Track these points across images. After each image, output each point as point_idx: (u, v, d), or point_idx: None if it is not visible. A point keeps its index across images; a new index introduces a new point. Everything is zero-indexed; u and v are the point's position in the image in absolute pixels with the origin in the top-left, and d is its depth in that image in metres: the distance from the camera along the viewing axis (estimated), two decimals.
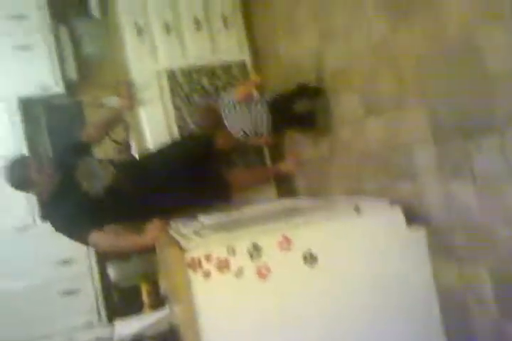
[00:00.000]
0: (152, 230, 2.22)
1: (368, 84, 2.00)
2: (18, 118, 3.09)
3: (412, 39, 1.67)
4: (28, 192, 2.62)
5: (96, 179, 2.48)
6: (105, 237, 2.38)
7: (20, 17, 3.10)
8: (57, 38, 3.23)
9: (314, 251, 1.71)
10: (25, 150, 3.09)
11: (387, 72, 1.85)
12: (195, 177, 2.62)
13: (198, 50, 3.04)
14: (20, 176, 2.35)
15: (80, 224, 2.35)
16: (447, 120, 1.58)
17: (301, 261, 1.70)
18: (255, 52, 3.21)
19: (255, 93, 2.66)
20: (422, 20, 1.60)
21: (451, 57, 1.50)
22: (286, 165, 2.91)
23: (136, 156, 2.99)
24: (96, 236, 2.34)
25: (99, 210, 2.41)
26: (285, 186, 3.07)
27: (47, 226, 2.70)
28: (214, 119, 2.57)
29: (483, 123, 1.43)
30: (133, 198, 2.50)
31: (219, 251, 1.62)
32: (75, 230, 2.38)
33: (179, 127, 2.97)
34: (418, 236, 1.80)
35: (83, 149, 2.69)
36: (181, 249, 1.62)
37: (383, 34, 1.83)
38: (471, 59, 1.42)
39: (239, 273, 1.63)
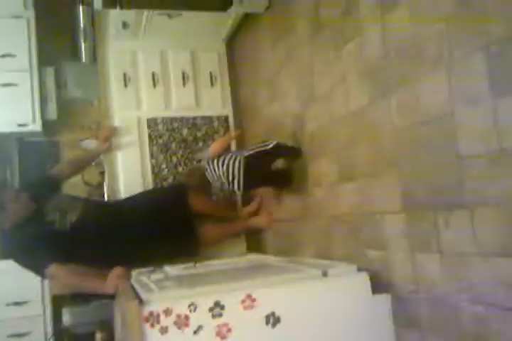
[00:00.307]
0: (112, 278, 2.16)
1: (345, 150, 2.05)
2: None
3: (390, 112, 1.74)
4: None
5: (64, 214, 2.44)
6: (65, 272, 2.33)
7: (8, 55, 3.14)
8: (43, 79, 3.26)
9: (278, 311, 1.68)
10: None
11: (364, 140, 1.91)
12: (164, 229, 2.59)
13: (182, 103, 3.12)
14: None
15: (42, 254, 2.31)
16: (419, 192, 1.62)
17: (264, 321, 1.66)
18: (238, 108, 3.29)
19: (231, 148, 2.72)
20: (400, 96, 1.68)
21: (426, 133, 1.56)
22: (260, 221, 2.90)
23: (106, 200, 2.96)
24: (56, 269, 2.31)
25: (63, 247, 2.36)
26: (255, 241, 3.05)
27: (2, 266, 2.62)
28: (198, 177, 2.60)
29: (453, 200, 1.47)
30: (97, 241, 2.46)
31: (179, 307, 1.57)
32: (35, 258, 2.33)
33: (154, 174, 2.98)
34: (383, 304, 1.79)
35: (53, 184, 2.65)
36: (140, 301, 1.57)
37: (362, 104, 1.90)
38: (445, 137, 1.48)
39: (198, 331, 1.58)
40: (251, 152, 2.43)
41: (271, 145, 2.41)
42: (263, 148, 2.42)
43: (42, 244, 2.32)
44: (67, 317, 2.87)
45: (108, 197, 2.98)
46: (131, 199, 2.78)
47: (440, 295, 1.54)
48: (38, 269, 2.37)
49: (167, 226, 2.60)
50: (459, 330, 1.47)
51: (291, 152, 2.47)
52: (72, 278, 2.35)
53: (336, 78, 2.08)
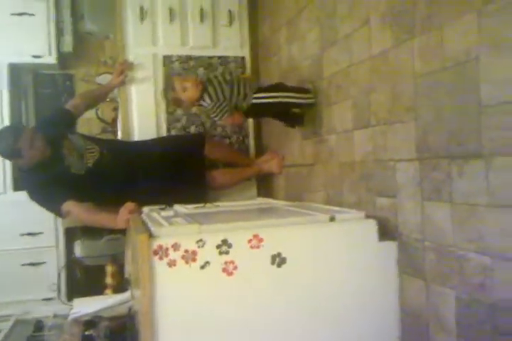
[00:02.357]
0: (124, 212, 2.21)
1: (362, 96, 2.00)
2: (5, 83, 3.03)
3: (412, 57, 1.67)
4: (12, 161, 2.60)
5: (79, 159, 2.47)
6: (79, 208, 2.39)
7: None
8: (59, 10, 3.18)
9: (284, 252, 1.70)
10: (7, 116, 3.04)
11: (383, 85, 1.86)
12: (177, 174, 2.64)
13: (198, 41, 3.03)
14: (9, 146, 2.31)
15: (57, 193, 2.37)
16: (435, 140, 1.58)
17: (269, 261, 1.69)
18: (255, 49, 3.20)
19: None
20: (424, 40, 1.61)
21: (448, 80, 1.51)
22: (270, 167, 2.91)
23: (121, 139, 2.97)
24: (70, 205, 2.37)
25: (78, 187, 2.43)
26: (266, 186, 3.07)
27: (18, 196, 2.68)
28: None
29: (469, 150, 1.44)
30: (112, 182, 2.51)
31: (188, 242, 1.60)
32: (50, 196, 2.39)
33: (167, 113, 2.96)
34: (389, 251, 1.81)
35: (68, 120, 2.66)
36: (150, 235, 1.60)
37: (384, 48, 1.83)
38: (467, 85, 1.43)
39: (205, 266, 1.61)
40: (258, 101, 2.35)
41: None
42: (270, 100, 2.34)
43: (57, 183, 2.37)
44: (78, 250, 2.97)
45: (122, 134, 2.98)
46: (149, 143, 2.81)
47: (447, 244, 1.54)
48: (54, 206, 2.43)
49: (180, 173, 2.65)
50: (464, 280, 1.48)
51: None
52: (86, 214, 2.40)
53: (359, 21, 1.99)
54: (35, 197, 2.43)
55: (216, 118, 2.35)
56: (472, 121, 1.42)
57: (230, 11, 3.09)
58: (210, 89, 2.27)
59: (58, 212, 2.44)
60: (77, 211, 2.38)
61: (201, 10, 3.03)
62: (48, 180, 2.37)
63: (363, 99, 2.00)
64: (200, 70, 3.02)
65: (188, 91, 2.27)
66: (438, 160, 1.57)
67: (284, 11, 2.79)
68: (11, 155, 2.41)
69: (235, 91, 2.29)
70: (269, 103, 2.32)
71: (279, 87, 2.38)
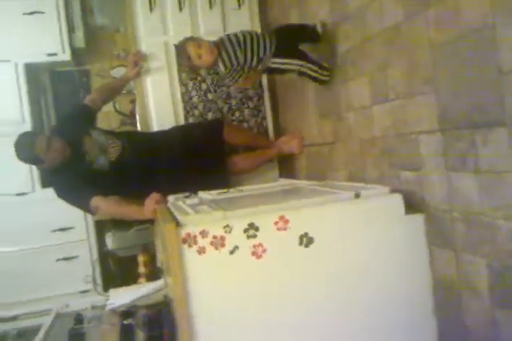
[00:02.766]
0: (150, 202, 2.23)
1: (378, 70, 1.97)
2: (23, 83, 3.07)
3: (427, 27, 1.64)
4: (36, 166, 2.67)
5: (102, 154, 2.50)
6: (106, 202, 2.43)
7: None
8: (69, 6, 3.20)
9: (311, 232, 1.70)
10: (28, 116, 3.08)
11: (399, 58, 1.83)
12: (198, 162, 2.66)
13: (209, 27, 3.02)
14: (28, 154, 2.37)
15: (84, 189, 2.42)
16: (456, 111, 1.56)
17: (297, 242, 1.69)
18: (266, 31, 3.16)
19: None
20: (439, 8, 1.57)
21: (465, 48, 1.48)
22: (290, 147, 2.90)
23: (142, 131, 2.99)
24: (98, 200, 2.42)
25: (102, 181, 2.47)
26: (287, 166, 3.07)
27: (46, 193, 2.74)
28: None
29: (492, 117, 1.41)
30: (136, 174, 2.55)
31: (215, 228, 1.62)
32: (78, 193, 2.45)
33: (184, 102, 2.96)
34: (416, 224, 1.80)
35: (88, 116, 2.69)
36: (177, 224, 1.62)
37: (398, 19, 1.80)
38: (486, 52, 1.39)
39: (234, 251, 1.63)
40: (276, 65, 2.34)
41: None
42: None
43: (82, 181, 2.42)
44: (110, 242, 3.02)
45: (141, 125, 3.00)
46: (169, 132, 2.83)
47: (475, 213, 1.52)
48: (82, 203, 2.48)
49: (201, 160, 2.67)
50: (495, 248, 1.47)
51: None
52: (114, 208, 2.44)
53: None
54: (62, 196, 2.49)
55: (231, 83, 2.40)
56: (493, 88, 1.39)
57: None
58: (224, 55, 2.23)
59: (87, 209, 2.49)
60: (105, 206, 2.42)
61: None
62: (72, 179, 2.42)
63: (380, 73, 1.97)
64: None
65: (203, 57, 2.24)
66: (461, 131, 1.54)
67: None
68: (33, 162, 2.51)
69: (248, 54, 2.25)
70: (287, 69, 2.35)
71: (300, 56, 2.33)
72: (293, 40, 2.34)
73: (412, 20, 1.72)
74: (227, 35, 2.29)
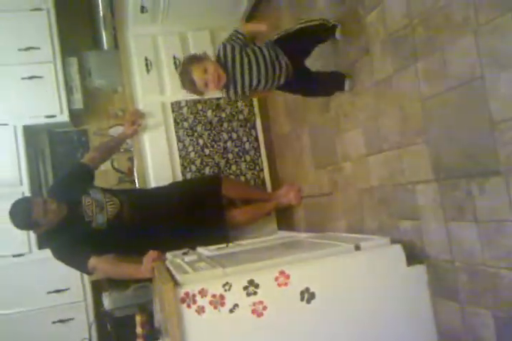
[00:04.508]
0: (148, 262, 2.20)
1: (371, 121, 2.00)
2: (22, 145, 3.11)
3: (416, 80, 1.68)
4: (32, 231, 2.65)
5: (100, 213, 2.49)
6: (104, 263, 2.38)
7: (31, 48, 3.17)
8: (67, 70, 3.30)
9: (312, 287, 1.67)
10: (25, 177, 3.10)
11: (391, 109, 1.86)
12: (197, 217, 2.65)
13: None
14: (25, 221, 2.36)
15: (81, 250, 2.38)
16: (450, 160, 1.57)
17: (299, 298, 1.66)
18: None
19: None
20: (426, 63, 1.62)
21: (456, 99, 1.51)
22: (288, 199, 2.90)
23: (139, 188, 3.00)
24: (95, 261, 2.37)
25: (100, 240, 2.45)
26: (286, 218, 3.06)
27: (43, 254, 2.70)
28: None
29: (486, 167, 1.42)
30: (134, 231, 2.53)
31: (214, 287, 1.58)
32: (74, 255, 2.41)
33: (181, 158, 2.99)
34: (418, 275, 1.77)
35: (86, 174, 2.70)
36: (175, 283, 1.59)
37: (387, 74, 1.85)
38: (476, 103, 1.43)
39: (233, 309, 1.59)
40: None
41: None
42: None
43: (79, 241, 2.39)
44: (107, 302, 2.95)
45: (139, 182, 3.01)
46: (166, 189, 2.84)
47: (477, 263, 1.50)
48: (79, 265, 2.45)
49: (199, 215, 2.67)
50: (499, 298, 1.43)
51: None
52: (112, 269, 2.40)
53: (359, 49, 2.02)
54: (59, 257, 2.45)
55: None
56: (486, 138, 1.41)
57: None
58: (231, 87, 1.98)
59: (85, 270, 2.45)
60: (102, 266, 2.38)
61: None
62: (69, 239, 2.39)
63: (372, 124, 2.00)
64: (209, 112, 3.07)
65: (209, 85, 1.94)
66: (456, 180, 1.55)
67: None
68: (29, 227, 2.49)
69: (261, 84, 1.99)
70: None
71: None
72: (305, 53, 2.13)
73: (401, 74, 1.77)
74: (242, 63, 1.93)
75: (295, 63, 2.03)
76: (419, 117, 1.70)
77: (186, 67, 1.97)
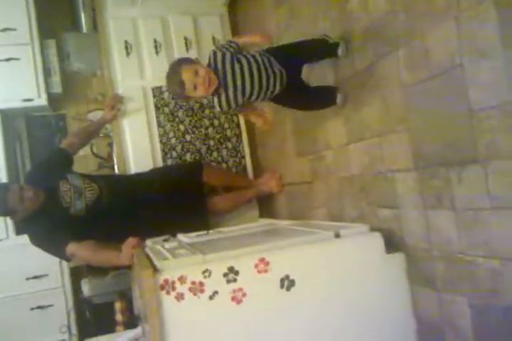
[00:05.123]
0: (127, 247, 2.19)
1: (352, 110, 2.00)
2: None
3: (398, 68, 1.68)
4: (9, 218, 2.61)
5: (78, 198, 2.46)
6: (82, 249, 2.36)
7: (8, 29, 3.08)
8: (45, 52, 3.22)
9: (292, 274, 1.68)
10: (2, 163, 3.04)
11: (372, 98, 1.86)
12: (178, 204, 2.63)
13: None
14: (0, 208, 2.33)
15: (59, 236, 2.35)
16: (430, 149, 1.58)
17: (278, 285, 1.66)
18: None
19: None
20: (408, 50, 1.62)
21: (436, 87, 1.51)
22: (270, 187, 2.90)
23: (119, 174, 2.97)
24: (74, 247, 2.34)
25: (78, 225, 2.41)
26: (267, 206, 3.06)
27: (21, 240, 2.66)
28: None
29: (465, 155, 1.43)
30: (113, 217, 2.50)
31: (194, 274, 1.58)
32: (52, 242, 2.38)
33: (162, 143, 2.96)
34: (397, 263, 1.79)
35: (64, 160, 2.66)
36: (155, 269, 1.58)
37: (369, 62, 1.85)
38: (456, 91, 1.43)
39: (213, 296, 1.59)
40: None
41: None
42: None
43: (57, 227, 2.36)
44: (86, 289, 2.93)
45: (119, 168, 2.98)
46: (146, 175, 2.81)
47: (454, 251, 1.52)
48: (58, 251, 2.42)
49: (180, 202, 2.65)
50: (475, 286, 1.46)
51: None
52: (90, 255, 2.38)
53: (342, 38, 2.00)
54: (37, 244, 2.42)
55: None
56: (464, 126, 1.42)
57: (213, 38, 3.13)
58: (222, 96, 1.86)
59: (63, 256, 2.42)
60: (81, 252, 2.36)
61: (185, 39, 3.06)
62: (47, 226, 2.36)
63: (354, 113, 2.00)
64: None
65: (198, 90, 1.81)
66: (435, 168, 1.56)
67: (268, 31, 2.82)
68: (6, 214, 2.47)
69: (253, 96, 1.89)
70: None
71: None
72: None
73: (383, 62, 1.76)
74: (233, 68, 1.83)
75: (290, 73, 1.94)
76: (401, 105, 1.70)
77: (176, 68, 1.85)
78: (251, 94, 1.88)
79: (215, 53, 1.86)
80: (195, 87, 1.81)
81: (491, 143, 1.33)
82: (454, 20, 1.40)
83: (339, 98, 2.05)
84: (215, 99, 1.88)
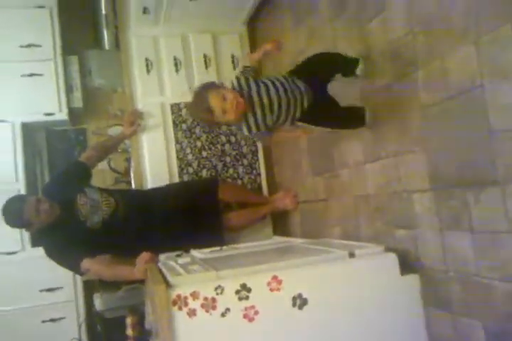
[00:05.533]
0: (140, 263, 2.19)
1: (370, 129, 2.00)
2: (19, 142, 3.09)
3: (416, 88, 1.68)
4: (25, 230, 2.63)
5: (95, 212, 2.48)
6: (97, 264, 2.36)
7: (32, 45, 3.15)
8: (67, 68, 3.29)
9: (305, 293, 1.67)
10: (21, 174, 3.08)
11: (390, 118, 1.86)
12: (193, 220, 2.64)
13: None
14: (17, 219, 2.34)
15: (74, 251, 2.36)
16: (447, 169, 1.57)
17: (291, 303, 1.65)
18: None
19: None
20: (427, 71, 1.62)
21: (455, 108, 1.51)
22: (285, 204, 2.90)
23: (136, 189, 2.99)
24: (88, 263, 2.34)
25: (94, 240, 2.43)
26: (282, 223, 3.05)
27: (36, 252, 2.68)
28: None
29: (483, 177, 1.42)
30: (129, 232, 2.52)
31: (206, 290, 1.57)
32: (68, 256, 2.39)
33: (179, 160, 2.99)
34: (412, 284, 1.76)
35: (82, 173, 2.68)
36: (167, 285, 1.58)
37: (387, 81, 1.85)
38: (475, 112, 1.43)
39: (225, 314, 1.58)
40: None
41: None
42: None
43: (73, 241, 2.37)
44: (98, 303, 2.93)
45: (135, 183, 3.00)
46: (162, 190, 2.83)
47: (471, 274, 1.50)
48: (73, 266, 2.43)
49: (195, 218, 2.65)
50: (492, 309, 1.43)
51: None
52: (105, 270, 2.38)
53: (361, 56, 2.02)
54: (52, 257, 2.44)
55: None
56: (483, 148, 1.41)
57: (232, 56, 3.17)
58: (250, 118, 1.81)
59: (78, 271, 2.43)
60: (96, 268, 2.36)
61: (205, 56, 3.11)
62: (62, 239, 2.38)
63: (371, 132, 2.00)
64: None
65: (227, 114, 1.76)
66: (453, 189, 1.55)
67: (287, 50, 2.83)
68: (22, 226, 2.45)
69: (281, 118, 1.85)
70: None
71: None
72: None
73: (402, 82, 1.77)
74: (258, 88, 1.81)
75: (315, 90, 1.89)
76: (419, 125, 1.70)
77: (202, 94, 1.79)
78: (279, 115, 1.83)
79: (238, 78, 1.86)
80: (224, 112, 1.75)
81: (509, 166, 1.32)
82: (473, 44, 1.40)
83: (367, 117, 1.98)
84: (243, 123, 1.82)
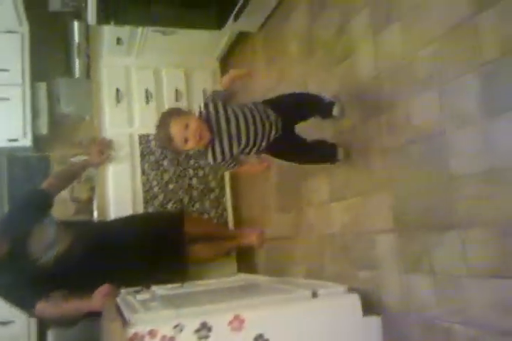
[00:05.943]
0: (98, 296, 2.11)
1: (335, 169, 2.02)
2: None
3: (380, 132, 1.72)
4: None
5: (51, 247, 2.37)
6: (50, 307, 2.27)
7: (1, 70, 3.12)
8: (35, 94, 3.25)
9: (266, 333, 1.63)
10: None
11: (355, 159, 1.89)
12: (156, 252, 2.57)
13: None
14: None
15: (25, 295, 2.26)
16: (410, 212, 1.60)
17: None
18: None
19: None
20: (390, 115, 1.67)
21: (417, 153, 1.55)
22: (250, 240, 2.87)
23: (98, 220, 2.92)
24: (42, 308, 2.25)
25: (46, 278, 2.29)
26: (246, 260, 3.01)
27: None
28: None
29: (444, 220, 1.45)
30: (85, 265, 2.39)
31: (165, 328, 1.53)
32: (19, 300, 2.29)
33: (144, 192, 2.95)
34: (374, 326, 1.75)
35: (42, 202, 2.58)
36: (125, 322, 1.52)
37: (353, 124, 1.89)
38: (436, 157, 1.47)
39: None
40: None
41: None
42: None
43: (22, 283, 2.25)
44: (52, 339, 2.80)
45: (98, 213, 2.94)
46: (126, 221, 2.76)
47: (432, 317, 1.50)
48: (25, 310, 2.35)
49: (159, 251, 2.59)
50: None
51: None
52: (58, 309, 2.29)
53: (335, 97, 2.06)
54: (3, 298, 2.32)
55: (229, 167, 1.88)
56: (444, 192, 1.44)
57: (204, 91, 3.20)
58: (217, 146, 1.75)
59: (31, 315, 2.35)
60: (49, 312, 2.27)
61: (176, 90, 3.13)
62: (12, 280, 2.26)
63: (336, 172, 2.02)
64: None
65: (189, 143, 1.71)
66: (415, 232, 1.57)
67: (258, 88, 2.89)
68: None
69: (247, 148, 1.81)
70: None
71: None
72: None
73: (366, 125, 1.81)
74: (226, 116, 1.75)
75: (285, 121, 1.86)
76: (382, 168, 1.73)
77: (165, 119, 1.74)
78: (247, 144, 1.77)
79: (206, 104, 1.77)
80: (185, 141, 1.70)
81: (468, 211, 1.35)
82: (436, 91, 1.46)
83: (340, 153, 1.94)
84: (209, 151, 1.76)
